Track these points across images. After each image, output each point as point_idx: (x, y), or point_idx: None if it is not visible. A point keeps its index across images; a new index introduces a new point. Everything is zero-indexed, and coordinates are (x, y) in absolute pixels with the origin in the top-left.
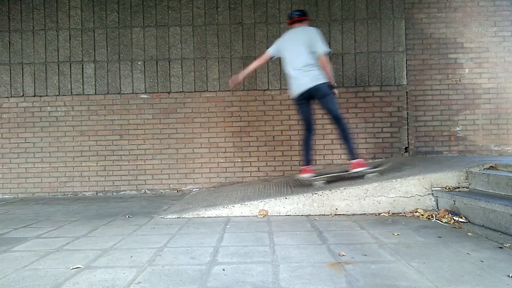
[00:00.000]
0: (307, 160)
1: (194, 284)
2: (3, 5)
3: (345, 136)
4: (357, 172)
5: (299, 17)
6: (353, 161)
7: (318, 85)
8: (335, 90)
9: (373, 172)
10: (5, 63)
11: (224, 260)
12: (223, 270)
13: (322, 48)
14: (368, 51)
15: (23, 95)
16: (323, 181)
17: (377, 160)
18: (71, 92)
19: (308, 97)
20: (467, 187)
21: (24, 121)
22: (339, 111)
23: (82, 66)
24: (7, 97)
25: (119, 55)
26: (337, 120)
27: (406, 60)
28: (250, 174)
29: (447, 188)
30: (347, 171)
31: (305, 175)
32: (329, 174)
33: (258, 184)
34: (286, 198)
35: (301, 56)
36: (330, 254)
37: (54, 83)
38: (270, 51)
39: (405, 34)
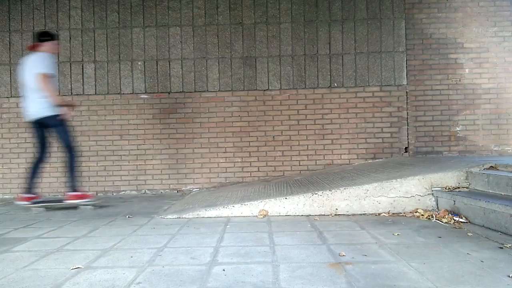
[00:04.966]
0: (31, 186)
1: (194, 284)
2: (4, 5)
3: (71, 169)
4: (71, 203)
5: (37, 43)
6: (70, 193)
7: (45, 117)
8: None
9: (87, 205)
10: (5, 63)
11: (224, 260)
12: (223, 270)
13: (37, 69)
14: (368, 51)
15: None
16: (42, 209)
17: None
18: (71, 92)
19: (40, 124)
20: (467, 187)
21: (24, 121)
22: (72, 142)
23: (82, 66)
24: (7, 97)
25: (119, 55)
26: (68, 151)
27: (406, 60)
28: (250, 174)
29: (447, 188)
30: (60, 201)
31: (20, 203)
32: (45, 203)
33: (258, 184)
34: (286, 198)
35: (28, 84)
36: (330, 254)
37: (54, 83)
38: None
39: (405, 34)
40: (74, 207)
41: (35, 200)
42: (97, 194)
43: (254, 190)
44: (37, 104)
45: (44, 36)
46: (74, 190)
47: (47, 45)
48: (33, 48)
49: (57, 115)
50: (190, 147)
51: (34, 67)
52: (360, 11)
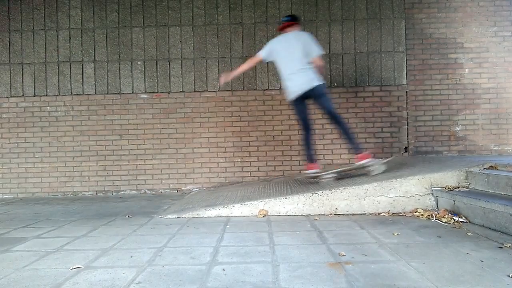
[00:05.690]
0: (311, 157)
1: (194, 284)
2: (3, 5)
3: (345, 133)
4: (361, 164)
5: (289, 22)
6: (358, 155)
7: (315, 86)
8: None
9: (377, 164)
10: (5, 63)
11: (224, 260)
12: (223, 270)
13: (317, 51)
14: (368, 51)
15: (23, 95)
16: (332, 176)
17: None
18: (71, 92)
19: (304, 97)
20: (467, 187)
21: (24, 121)
22: (335, 109)
23: (82, 66)
24: (7, 97)
25: (119, 55)
26: (334, 118)
27: (406, 60)
28: (250, 174)
29: (447, 188)
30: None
31: (311, 171)
32: (336, 170)
33: (258, 184)
34: (286, 198)
35: (296, 59)
36: (330, 254)
37: (54, 83)
38: (262, 55)
39: (405, 34)
40: (365, 174)
41: (319, 170)
42: (96, 193)
43: (254, 189)
44: (305, 76)
45: (295, 19)
46: (358, 152)
47: (297, 26)
48: (285, 28)
49: (323, 84)
50: (190, 147)
51: (306, 44)
52: (360, 11)
